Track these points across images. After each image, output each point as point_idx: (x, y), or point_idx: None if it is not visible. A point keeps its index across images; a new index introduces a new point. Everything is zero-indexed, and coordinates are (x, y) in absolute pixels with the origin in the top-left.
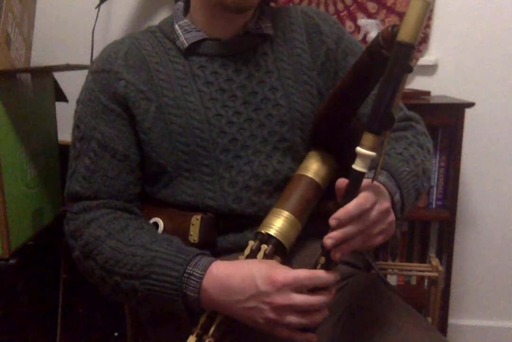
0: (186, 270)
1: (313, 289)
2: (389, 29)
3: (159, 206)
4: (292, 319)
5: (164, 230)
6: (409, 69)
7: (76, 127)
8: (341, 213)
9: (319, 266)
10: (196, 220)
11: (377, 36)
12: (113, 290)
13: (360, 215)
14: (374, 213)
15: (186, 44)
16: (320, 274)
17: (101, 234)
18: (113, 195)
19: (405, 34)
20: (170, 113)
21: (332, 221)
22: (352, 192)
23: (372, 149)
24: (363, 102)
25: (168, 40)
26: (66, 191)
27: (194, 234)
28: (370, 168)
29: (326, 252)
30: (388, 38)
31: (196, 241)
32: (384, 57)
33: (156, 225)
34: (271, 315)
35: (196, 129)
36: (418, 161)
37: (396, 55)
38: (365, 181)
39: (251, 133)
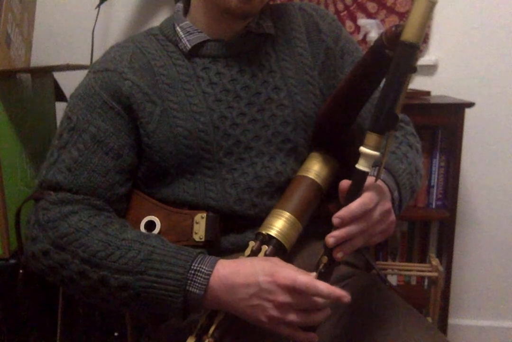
0: (192, 266)
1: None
2: (393, 29)
3: (154, 204)
4: (294, 317)
5: (160, 229)
6: (413, 70)
7: (66, 118)
8: (345, 211)
9: (321, 265)
10: (201, 218)
11: (380, 36)
12: (93, 286)
13: (363, 215)
14: (376, 213)
15: (188, 46)
16: (319, 285)
17: (83, 226)
18: (96, 193)
19: (409, 34)
20: (175, 117)
21: (335, 219)
22: (355, 191)
23: (375, 149)
24: (366, 102)
25: (170, 43)
26: (41, 179)
27: (199, 232)
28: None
29: (328, 251)
30: (392, 38)
31: (202, 239)
32: (387, 57)
33: (151, 223)
34: (274, 313)
35: (201, 132)
36: (410, 159)
37: (401, 55)
38: (369, 181)
39: (255, 135)
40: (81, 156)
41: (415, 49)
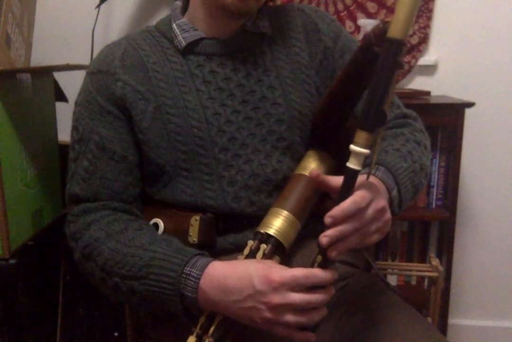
0: (184, 271)
1: (310, 288)
2: (380, 26)
3: (159, 206)
4: (290, 318)
5: (165, 231)
6: (400, 66)
7: (74, 129)
8: (336, 210)
9: (316, 264)
10: (195, 221)
11: (369, 33)
12: (113, 290)
13: (356, 213)
14: (370, 211)
15: (183, 43)
16: (317, 273)
17: (100, 235)
18: (112, 197)
19: (395, 31)
20: (168, 113)
21: (327, 219)
22: (347, 190)
23: (365, 146)
24: (359, 100)
25: (165, 40)
26: (66, 193)
27: (193, 234)
28: (367, 165)
29: (322, 250)
30: (379, 34)
31: (196, 242)
32: (376, 54)
33: (156, 225)
34: (268, 314)
35: (194, 128)
36: (416, 157)
37: (386, 51)
38: (362, 179)
39: (250, 132)
40: (91, 166)
41: (400, 45)
